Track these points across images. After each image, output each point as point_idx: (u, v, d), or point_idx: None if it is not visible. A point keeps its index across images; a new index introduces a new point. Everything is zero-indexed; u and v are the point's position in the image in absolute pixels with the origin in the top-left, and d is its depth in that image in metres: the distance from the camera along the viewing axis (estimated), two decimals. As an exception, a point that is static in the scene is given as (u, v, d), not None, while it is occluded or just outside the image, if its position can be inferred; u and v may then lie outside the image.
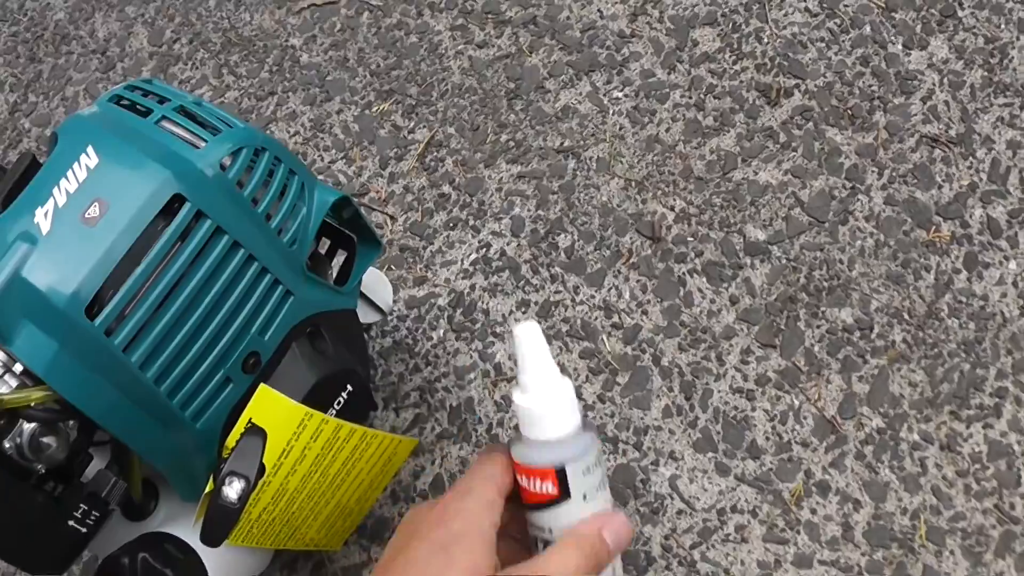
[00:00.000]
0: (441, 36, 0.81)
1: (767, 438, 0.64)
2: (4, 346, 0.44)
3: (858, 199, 0.72)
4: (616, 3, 0.81)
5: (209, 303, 0.46)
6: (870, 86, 0.76)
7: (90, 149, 0.46)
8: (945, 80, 0.76)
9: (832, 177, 0.73)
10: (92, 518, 0.48)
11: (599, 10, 0.81)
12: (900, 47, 0.78)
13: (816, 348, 0.67)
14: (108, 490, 0.48)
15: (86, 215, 0.44)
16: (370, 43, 0.83)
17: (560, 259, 0.71)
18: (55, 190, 0.45)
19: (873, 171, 0.73)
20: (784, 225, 0.71)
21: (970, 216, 0.71)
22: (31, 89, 0.89)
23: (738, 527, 0.62)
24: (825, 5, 0.80)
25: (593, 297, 0.69)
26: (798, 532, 0.61)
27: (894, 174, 0.73)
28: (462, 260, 0.72)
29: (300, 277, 0.51)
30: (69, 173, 0.46)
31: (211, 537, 0.48)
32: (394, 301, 0.70)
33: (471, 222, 0.73)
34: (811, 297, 0.69)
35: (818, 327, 0.67)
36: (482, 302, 0.70)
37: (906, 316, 0.68)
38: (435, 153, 0.76)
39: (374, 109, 0.79)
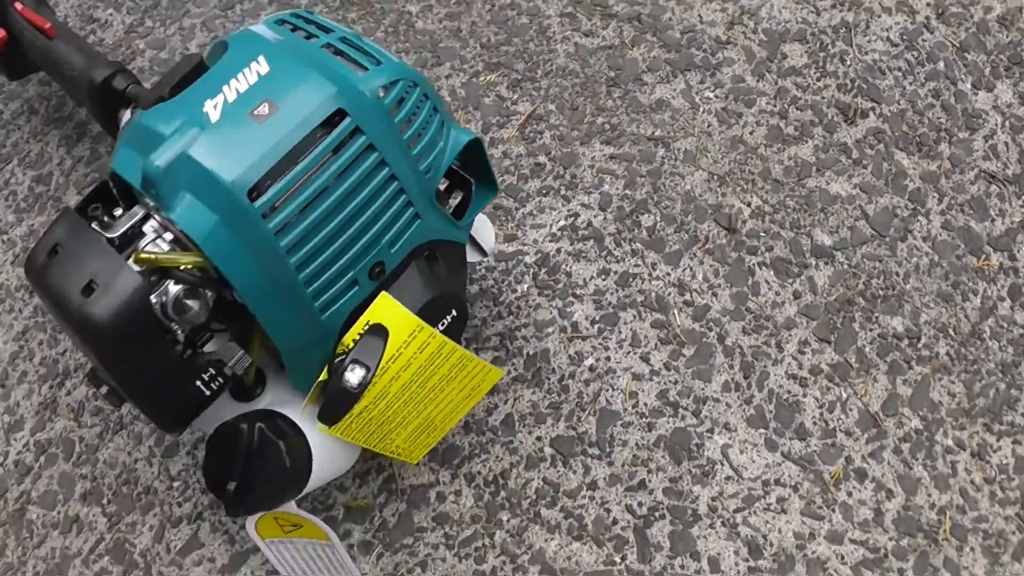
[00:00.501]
0: (551, 20, 0.87)
1: (814, 423, 0.69)
2: (164, 213, 0.49)
3: (918, 220, 0.77)
4: (716, 11, 0.87)
5: (352, 209, 0.51)
6: (939, 118, 0.82)
7: (261, 58, 0.51)
8: (1007, 123, 0.82)
9: (896, 197, 0.78)
10: (216, 383, 0.53)
11: (699, 15, 0.87)
12: (969, 86, 0.84)
13: (867, 349, 0.72)
14: (234, 361, 0.52)
15: (255, 112, 0.49)
16: (483, 18, 0.88)
17: (642, 236, 0.76)
18: (225, 87, 0.51)
19: (934, 196, 0.79)
20: (849, 234, 0.77)
21: (1018, 251, 0.76)
22: (148, 15, 0.94)
23: (779, 499, 0.67)
24: (905, 38, 0.86)
25: (669, 274, 0.75)
26: (833, 511, 0.67)
27: (952, 202, 0.78)
28: (551, 225, 0.77)
29: (428, 204, 0.56)
30: (240, 75, 0.51)
31: (329, 416, 0.53)
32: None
33: (563, 192, 0.78)
34: (867, 302, 0.74)
35: (871, 330, 0.73)
36: (566, 265, 0.75)
37: (951, 332, 0.73)
38: (535, 126, 0.82)
39: (481, 79, 0.85)
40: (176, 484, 0.71)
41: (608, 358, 0.72)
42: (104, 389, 0.54)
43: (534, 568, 0.65)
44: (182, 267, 0.49)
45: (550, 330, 0.73)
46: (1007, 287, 0.75)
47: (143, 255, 0.49)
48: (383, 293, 0.54)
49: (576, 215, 0.77)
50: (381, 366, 0.55)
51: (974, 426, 0.70)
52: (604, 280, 0.74)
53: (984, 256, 0.76)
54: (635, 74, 0.84)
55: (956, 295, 0.74)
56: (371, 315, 0.54)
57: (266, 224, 0.48)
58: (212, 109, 0.50)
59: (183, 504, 0.70)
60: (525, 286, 0.74)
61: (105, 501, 0.71)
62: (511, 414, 0.70)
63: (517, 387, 0.71)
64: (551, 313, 0.73)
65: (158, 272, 0.49)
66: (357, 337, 0.54)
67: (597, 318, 0.73)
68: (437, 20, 0.88)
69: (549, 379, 0.71)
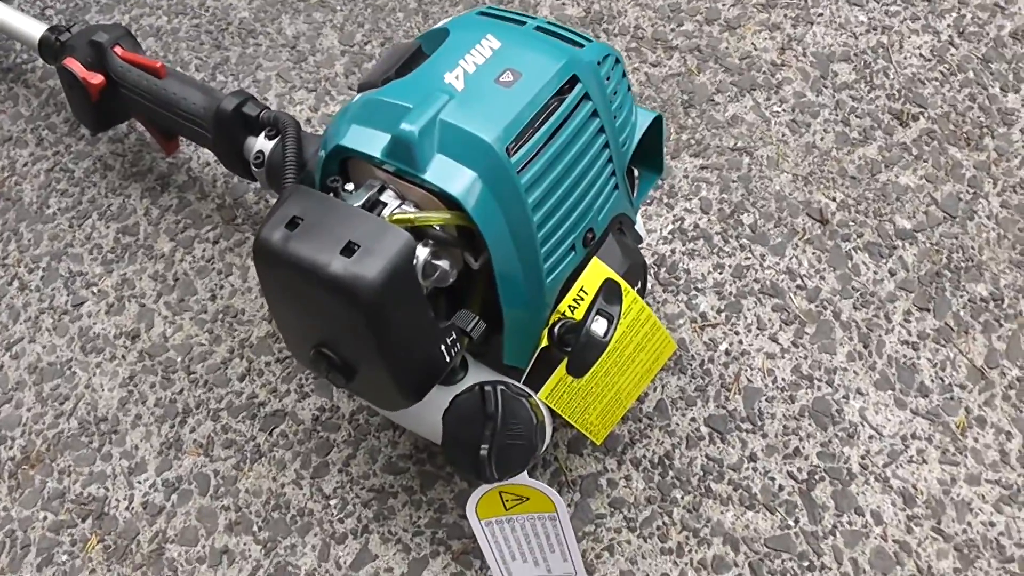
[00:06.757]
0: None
1: (932, 380, 0.84)
2: (415, 175, 0.57)
3: (980, 202, 0.95)
4: (765, 39, 1.05)
5: (580, 171, 0.61)
6: (979, 117, 1.01)
7: (490, 36, 0.62)
8: (1035, 118, 1.02)
9: (957, 184, 0.96)
10: (455, 348, 0.60)
11: (752, 43, 1.05)
12: (998, 90, 1.04)
13: (962, 312, 0.88)
14: (471, 326, 0.60)
15: (500, 79, 0.59)
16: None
17: (746, 232, 0.91)
18: (462, 61, 0.60)
19: (989, 181, 0.97)
20: (924, 217, 0.93)
21: (1068, 223, 0.95)
22: (219, 70, 1.06)
23: (919, 451, 0.80)
24: (935, 53, 1.06)
25: (778, 263, 0.89)
26: (966, 456, 0.80)
27: (1006, 184, 0.97)
28: (660, 230, 0.91)
29: (622, 176, 0.67)
30: (474, 50, 0.61)
31: (579, 366, 0.61)
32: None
33: (665, 200, 0.93)
34: (952, 273, 0.90)
35: (961, 297, 0.89)
36: (683, 263, 0.89)
37: (1030, 294, 0.90)
38: (626, 145, 0.97)
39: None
40: (333, 502, 0.79)
41: (740, 341, 0.85)
42: (328, 367, 0.60)
43: (716, 539, 0.76)
44: (436, 225, 0.57)
45: (681, 321, 0.86)
46: (1066, 254, 0.93)
47: (398, 216, 0.56)
48: (594, 259, 0.65)
49: (682, 219, 0.92)
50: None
51: (1068, 372, 0.85)
52: (720, 273, 0.89)
53: (1041, 228, 0.94)
54: (707, 96, 1.01)
55: (1025, 264, 0.91)
56: (585, 280, 0.65)
57: (519, 179, 0.57)
58: (455, 80, 0.59)
59: (345, 520, 0.78)
60: (649, 284, 0.88)
61: (256, 529, 0.78)
62: (662, 400, 0.82)
63: (662, 375, 0.83)
64: (678, 307, 0.87)
65: (412, 233, 0.56)
66: (572, 303, 0.64)
67: (722, 307, 0.87)
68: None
69: (691, 365, 0.84)
